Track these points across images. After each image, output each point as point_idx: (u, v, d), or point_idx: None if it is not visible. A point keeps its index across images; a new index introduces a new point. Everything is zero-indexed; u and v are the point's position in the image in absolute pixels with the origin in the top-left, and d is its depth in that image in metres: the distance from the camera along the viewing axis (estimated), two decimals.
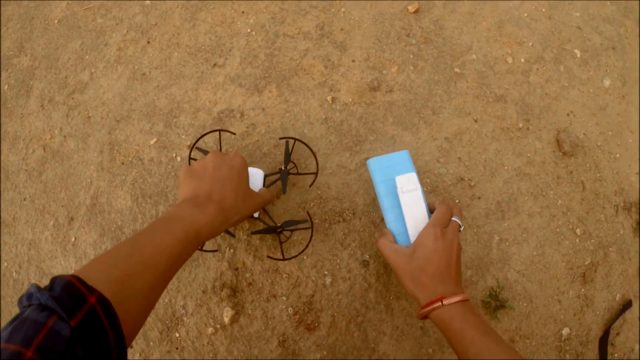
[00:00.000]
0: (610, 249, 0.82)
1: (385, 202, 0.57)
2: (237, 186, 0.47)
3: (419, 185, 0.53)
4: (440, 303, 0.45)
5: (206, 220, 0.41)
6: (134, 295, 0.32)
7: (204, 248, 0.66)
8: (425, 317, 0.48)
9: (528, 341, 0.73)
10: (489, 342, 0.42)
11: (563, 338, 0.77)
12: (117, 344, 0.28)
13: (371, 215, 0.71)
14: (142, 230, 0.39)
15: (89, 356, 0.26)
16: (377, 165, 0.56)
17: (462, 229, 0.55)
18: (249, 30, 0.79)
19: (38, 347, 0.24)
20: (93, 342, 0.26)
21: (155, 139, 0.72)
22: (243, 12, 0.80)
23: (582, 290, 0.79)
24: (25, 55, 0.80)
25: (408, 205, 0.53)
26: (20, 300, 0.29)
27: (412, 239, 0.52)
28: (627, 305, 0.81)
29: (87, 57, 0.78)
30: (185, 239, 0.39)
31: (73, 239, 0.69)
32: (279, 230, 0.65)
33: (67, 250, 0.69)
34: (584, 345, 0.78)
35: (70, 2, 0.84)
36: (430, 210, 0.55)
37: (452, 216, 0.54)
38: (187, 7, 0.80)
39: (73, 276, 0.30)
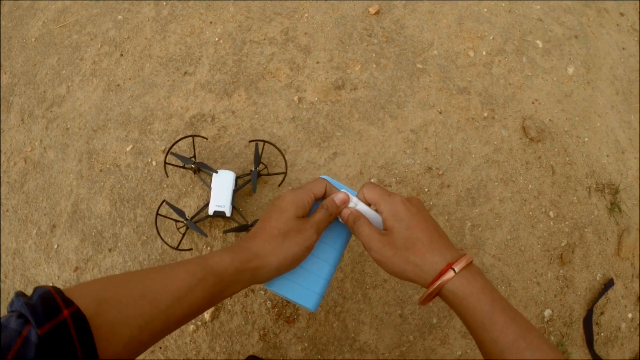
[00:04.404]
0: (586, 230, 0.89)
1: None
2: (267, 224, 0.42)
3: (358, 201, 0.45)
4: (452, 271, 0.38)
5: (228, 258, 0.39)
6: (123, 321, 0.32)
7: (181, 247, 0.73)
8: (431, 299, 0.40)
9: None
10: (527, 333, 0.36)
11: (546, 319, 0.82)
12: None
13: None
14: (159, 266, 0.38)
15: None
16: None
17: None
18: (216, 39, 0.87)
19: (14, 356, 0.27)
20: (59, 354, 0.28)
21: (131, 146, 0.80)
22: (211, 22, 0.89)
23: (561, 271, 0.85)
24: (5, 73, 0.88)
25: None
26: (9, 305, 0.32)
27: None
28: (608, 284, 0.87)
29: (63, 71, 0.87)
30: (197, 271, 0.37)
31: (56, 246, 0.76)
32: (249, 228, 0.71)
33: (50, 257, 0.75)
34: (568, 326, 0.83)
35: (46, 20, 0.93)
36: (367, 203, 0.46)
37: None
38: (158, 20, 0.89)
39: (54, 287, 0.31)
